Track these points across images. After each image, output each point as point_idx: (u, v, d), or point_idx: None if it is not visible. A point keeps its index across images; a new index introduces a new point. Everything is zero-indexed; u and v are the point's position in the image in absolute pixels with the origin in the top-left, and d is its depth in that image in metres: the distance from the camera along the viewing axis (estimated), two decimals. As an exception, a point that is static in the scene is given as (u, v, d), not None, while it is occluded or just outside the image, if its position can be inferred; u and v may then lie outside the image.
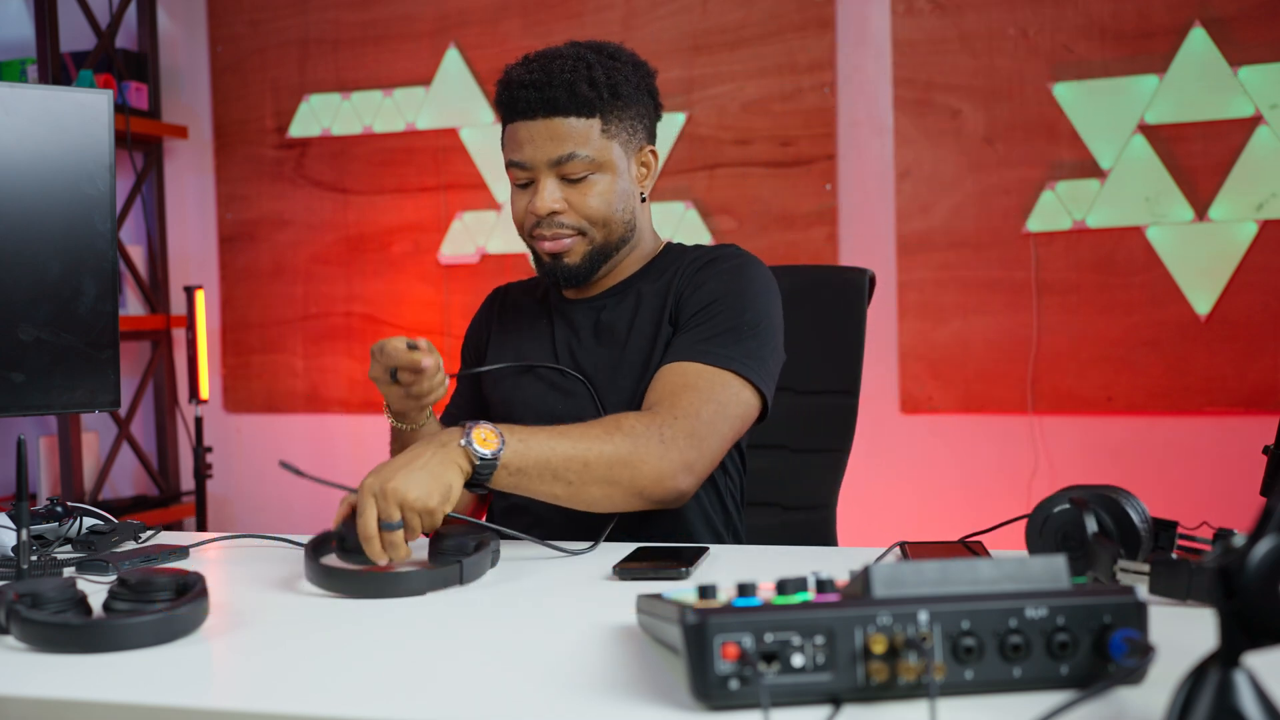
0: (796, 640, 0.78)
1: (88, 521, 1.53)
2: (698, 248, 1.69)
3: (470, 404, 1.75)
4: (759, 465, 1.79)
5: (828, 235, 3.11)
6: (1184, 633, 0.94)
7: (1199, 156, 2.84)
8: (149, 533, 1.58)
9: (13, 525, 1.30)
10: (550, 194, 1.57)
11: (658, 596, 0.93)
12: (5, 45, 3.55)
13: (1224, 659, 0.68)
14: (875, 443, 3.02)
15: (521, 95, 1.56)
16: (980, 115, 2.99)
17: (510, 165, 1.60)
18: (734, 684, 0.78)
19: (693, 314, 1.57)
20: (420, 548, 1.37)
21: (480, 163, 3.41)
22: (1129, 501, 1.11)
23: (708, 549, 1.37)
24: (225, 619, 1.11)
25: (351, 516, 1.32)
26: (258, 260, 3.65)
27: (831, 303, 1.89)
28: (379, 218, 3.52)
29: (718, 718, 0.79)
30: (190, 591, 1.06)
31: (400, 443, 1.58)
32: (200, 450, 3.44)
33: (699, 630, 0.78)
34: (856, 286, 1.88)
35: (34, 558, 1.33)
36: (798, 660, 0.78)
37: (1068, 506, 1.11)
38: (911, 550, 1.28)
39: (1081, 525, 1.09)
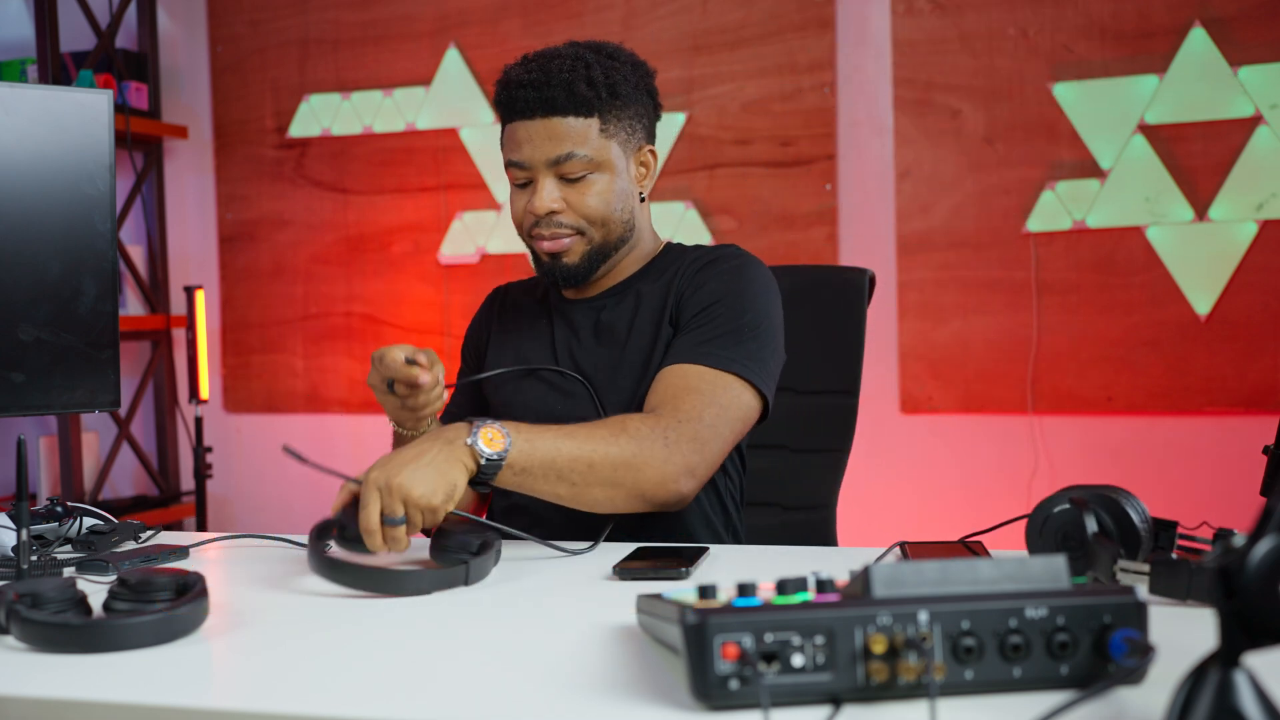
0: (796, 640, 0.78)
1: (88, 521, 1.53)
2: (698, 248, 1.69)
3: (471, 405, 1.75)
4: (759, 465, 1.79)
5: (828, 235, 3.11)
6: (1184, 633, 0.94)
7: (1199, 156, 2.84)
8: (149, 533, 1.58)
9: (13, 525, 1.30)
10: (549, 194, 1.57)
11: (658, 596, 0.93)
12: (5, 45, 3.55)
13: (1224, 659, 0.68)
14: (875, 443, 3.02)
15: (520, 95, 1.57)
16: (980, 115, 2.99)
17: (509, 165, 1.60)
18: (734, 684, 0.78)
19: (693, 315, 1.57)
20: (421, 547, 1.37)
21: (480, 163, 3.41)
22: (1129, 501, 1.11)
23: (708, 549, 1.37)
24: (225, 619, 1.11)
25: (352, 506, 1.32)
26: (258, 260, 3.65)
27: (831, 303, 1.89)
28: (379, 218, 3.52)
29: (718, 718, 0.79)
30: (190, 591, 1.06)
31: (401, 445, 1.58)
32: (200, 450, 3.44)
33: (699, 630, 0.78)
34: (856, 286, 1.88)
35: (34, 558, 1.33)
36: (798, 660, 0.78)
37: (1068, 506, 1.11)
38: (911, 550, 1.28)
39: (1081, 525, 1.09)
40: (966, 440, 3.04)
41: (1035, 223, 2.96)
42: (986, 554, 1.26)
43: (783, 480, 1.86)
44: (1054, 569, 0.83)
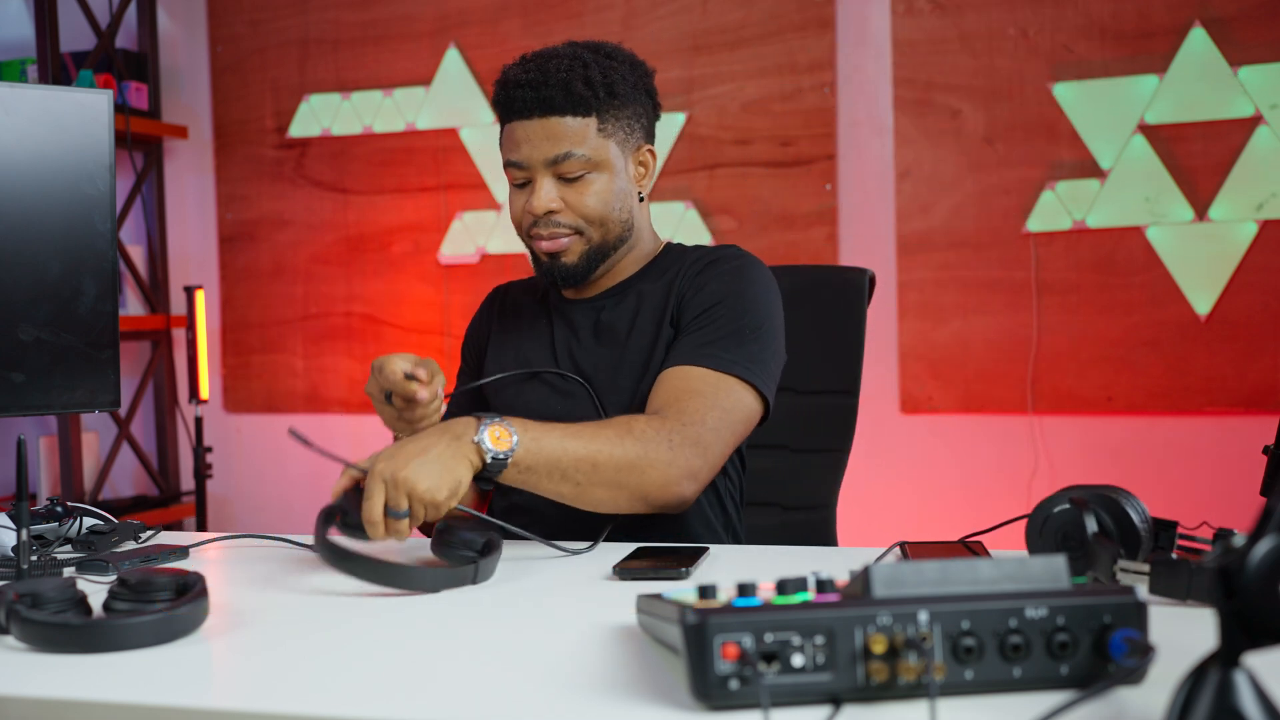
0: (796, 640, 0.78)
1: (88, 521, 1.53)
2: (698, 248, 1.69)
3: (472, 407, 1.75)
4: (759, 465, 1.79)
5: (828, 235, 3.11)
6: (1184, 633, 0.94)
7: (1199, 156, 2.84)
8: (149, 533, 1.58)
9: (13, 525, 1.30)
10: (546, 193, 1.57)
11: (658, 596, 0.93)
12: (5, 45, 3.55)
13: (1224, 659, 0.68)
14: (875, 443, 3.02)
15: (518, 95, 1.57)
16: (980, 115, 2.99)
17: (507, 165, 1.60)
18: (734, 684, 0.78)
19: (695, 316, 1.57)
20: (423, 545, 1.37)
21: (480, 163, 3.41)
22: (1129, 501, 1.11)
23: (708, 549, 1.37)
24: (225, 619, 1.11)
25: (354, 492, 1.32)
26: (258, 260, 3.65)
27: (831, 303, 1.89)
28: (379, 218, 3.52)
29: (718, 718, 0.79)
30: (190, 591, 1.06)
31: None
32: (200, 450, 3.44)
33: (699, 630, 0.78)
34: (856, 286, 1.88)
35: (34, 558, 1.33)
36: (798, 660, 0.78)
37: (1068, 506, 1.11)
38: (911, 550, 1.28)
39: (1081, 525, 1.09)
40: (966, 440, 3.04)
41: (1035, 223, 2.96)
42: (986, 554, 1.26)
43: (783, 480, 1.86)
44: (1054, 569, 0.83)
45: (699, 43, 3.20)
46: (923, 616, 0.79)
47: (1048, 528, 1.12)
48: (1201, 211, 2.84)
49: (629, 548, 1.41)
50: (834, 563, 1.29)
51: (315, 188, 3.58)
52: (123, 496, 3.62)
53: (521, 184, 1.61)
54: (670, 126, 3.20)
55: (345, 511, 1.29)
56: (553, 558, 1.39)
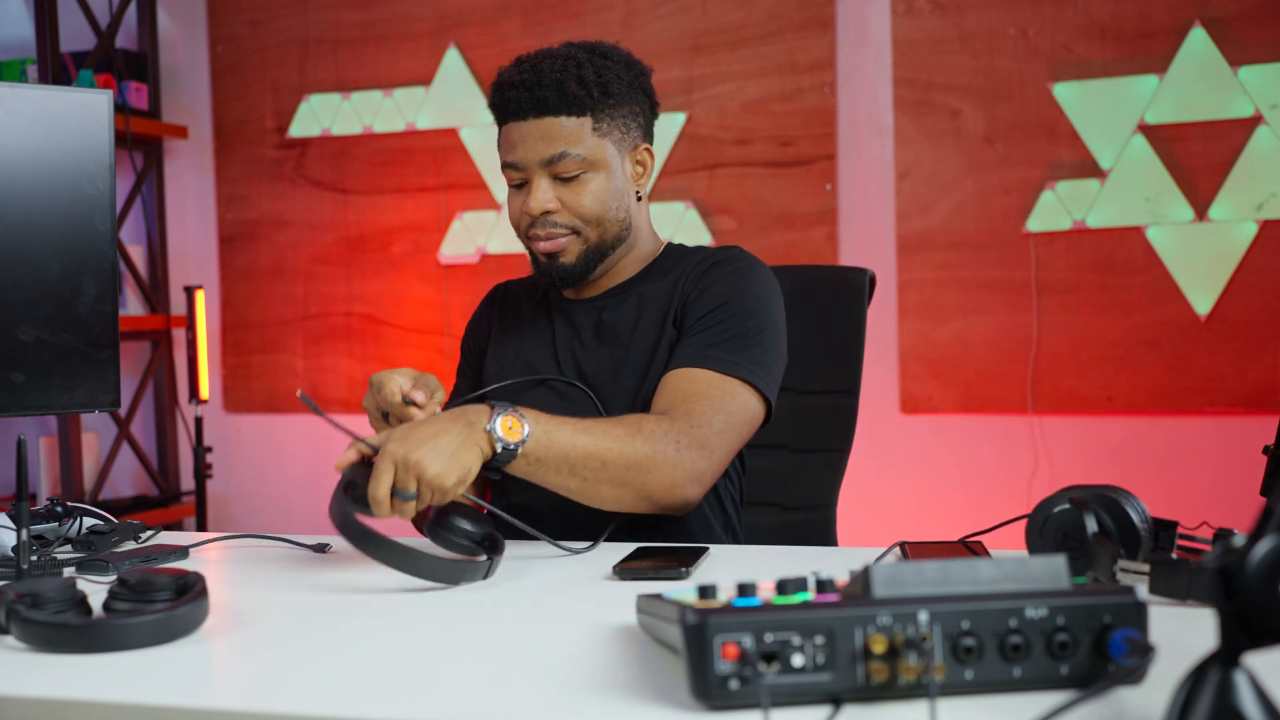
0: (796, 640, 0.78)
1: (88, 521, 1.53)
2: (700, 249, 1.69)
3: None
4: (759, 465, 1.79)
5: (828, 235, 3.11)
6: (1184, 633, 0.94)
7: (1199, 156, 2.84)
8: (149, 533, 1.58)
9: (13, 525, 1.30)
10: (543, 194, 1.57)
11: (658, 596, 0.93)
12: (5, 45, 3.55)
13: (1224, 659, 0.68)
14: (875, 443, 3.02)
15: (513, 96, 1.57)
16: (980, 115, 2.99)
17: (505, 166, 1.60)
18: (734, 684, 0.78)
19: (699, 317, 1.57)
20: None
21: (480, 163, 3.41)
22: (1129, 501, 1.11)
23: (708, 549, 1.37)
24: (225, 619, 1.11)
25: (362, 465, 1.32)
26: (258, 260, 3.65)
27: (831, 303, 1.89)
28: (379, 218, 3.52)
29: (718, 718, 0.79)
30: (190, 591, 1.06)
31: None
32: (200, 450, 3.44)
33: (699, 630, 0.78)
34: (856, 286, 1.88)
35: (34, 558, 1.33)
36: (798, 660, 0.78)
37: (1068, 506, 1.11)
38: (911, 550, 1.28)
39: (1081, 525, 1.09)
40: (966, 440, 3.04)
41: (1035, 223, 2.96)
42: (986, 554, 1.26)
43: (783, 480, 1.86)
44: (1054, 569, 0.83)
45: (699, 43, 3.20)
46: (923, 616, 0.79)
47: (1048, 528, 1.12)
48: (1201, 211, 2.84)
49: (629, 548, 1.41)
50: (834, 563, 1.29)
51: (315, 188, 3.58)
52: (123, 496, 3.62)
53: (518, 185, 1.61)
54: (670, 126, 3.20)
55: (353, 484, 1.30)
56: (552, 557, 1.39)
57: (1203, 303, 2.84)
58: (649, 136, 1.67)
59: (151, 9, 3.63)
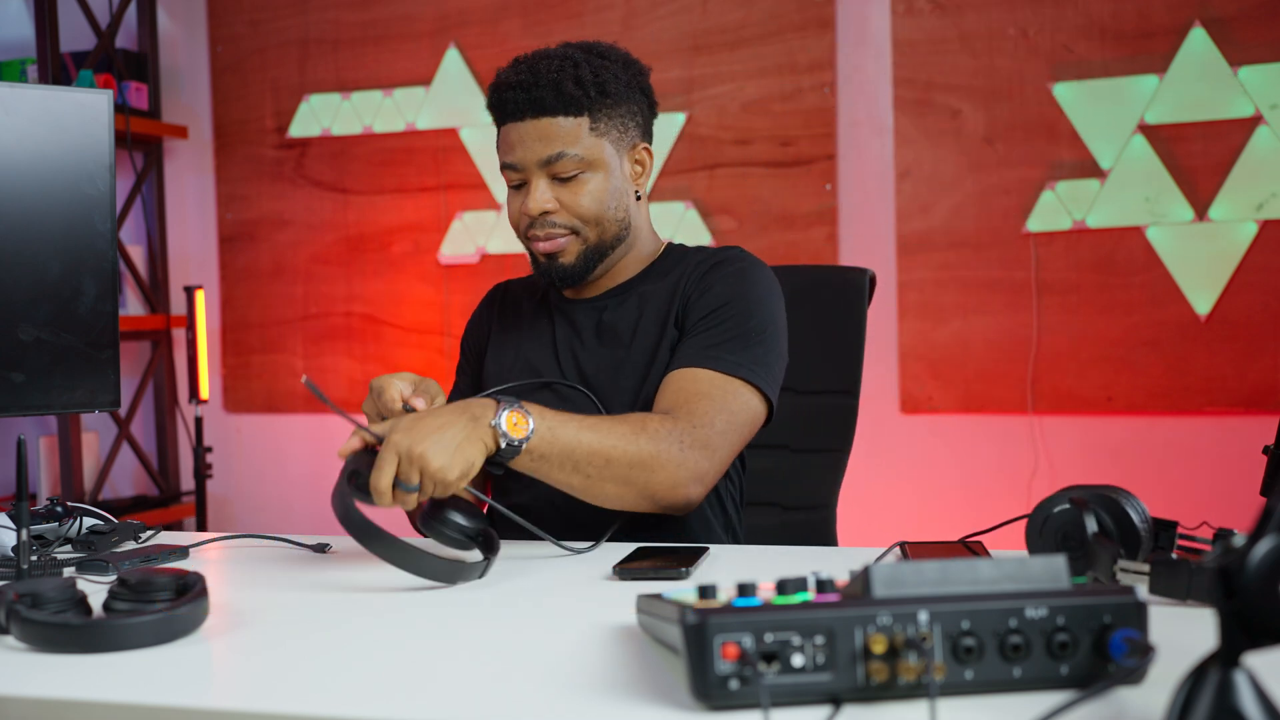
0: (796, 640, 0.78)
1: (88, 521, 1.53)
2: (701, 249, 1.69)
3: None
4: (759, 465, 1.79)
5: (828, 235, 3.11)
6: (1184, 633, 0.94)
7: (1199, 156, 2.84)
8: (149, 533, 1.58)
9: (13, 525, 1.30)
10: (541, 194, 1.57)
11: (658, 596, 0.93)
12: (5, 45, 3.55)
13: (1224, 659, 0.68)
14: (875, 443, 3.02)
15: (510, 97, 1.57)
16: (980, 115, 2.99)
17: (503, 168, 1.61)
18: (734, 684, 0.78)
19: (700, 318, 1.57)
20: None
21: (480, 163, 3.41)
22: (1129, 501, 1.11)
23: (708, 549, 1.37)
24: (225, 619, 1.11)
25: (365, 454, 1.32)
26: (258, 260, 3.65)
27: (831, 303, 1.89)
28: (379, 218, 3.52)
29: (718, 718, 0.79)
30: (190, 591, 1.06)
31: None
32: (200, 450, 3.44)
33: (699, 630, 0.78)
34: (856, 286, 1.88)
35: (34, 558, 1.33)
36: (798, 660, 0.78)
37: (1068, 506, 1.11)
38: (911, 550, 1.28)
39: (1081, 525, 1.09)
40: (966, 440, 3.04)
41: (1035, 223, 2.96)
42: (986, 554, 1.26)
43: (783, 480, 1.86)
44: (1054, 569, 0.83)
45: (699, 43, 3.20)
46: (923, 616, 0.79)
47: (1048, 528, 1.12)
48: (1201, 211, 2.84)
49: (629, 548, 1.41)
50: (834, 563, 1.29)
51: (315, 188, 3.58)
52: (123, 496, 3.62)
53: (517, 186, 1.61)
54: (670, 126, 3.20)
55: (356, 472, 1.30)
56: (552, 557, 1.39)
57: (1203, 303, 2.84)
58: (648, 136, 1.67)
59: (151, 9, 3.63)
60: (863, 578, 0.81)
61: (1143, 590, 0.83)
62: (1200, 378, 2.85)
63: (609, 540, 1.46)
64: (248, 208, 3.65)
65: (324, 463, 3.46)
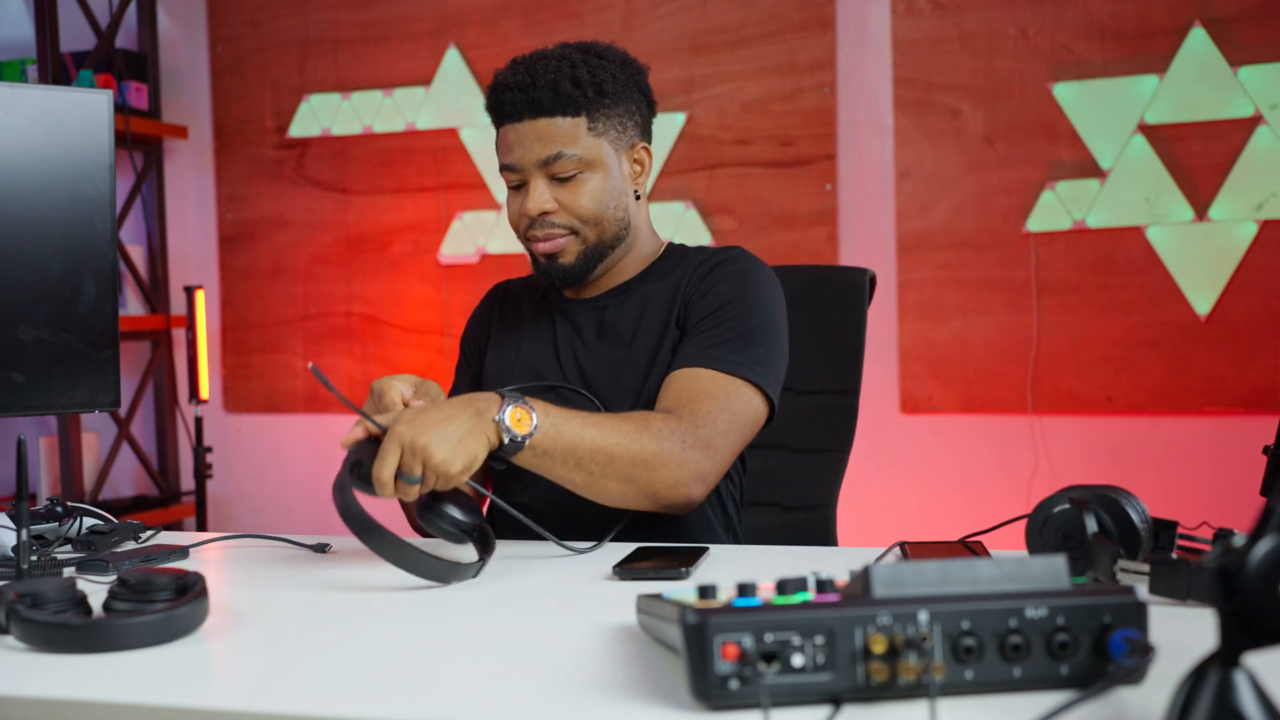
0: (796, 640, 0.78)
1: (88, 521, 1.53)
2: (701, 249, 1.69)
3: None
4: (759, 465, 1.79)
5: (828, 235, 3.11)
6: (1184, 633, 0.94)
7: (1199, 156, 2.84)
8: (149, 533, 1.58)
9: (13, 525, 1.30)
10: (540, 195, 1.57)
11: (658, 596, 0.93)
12: (5, 45, 3.55)
13: (1224, 659, 0.68)
14: (875, 443, 3.02)
15: (508, 98, 1.57)
16: (980, 115, 2.99)
17: (503, 168, 1.61)
18: (734, 684, 0.78)
19: (702, 318, 1.57)
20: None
21: (480, 163, 3.41)
22: (1129, 501, 1.11)
23: (708, 549, 1.37)
24: (225, 619, 1.11)
25: (368, 444, 1.32)
26: (258, 260, 3.65)
27: (831, 303, 1.89)
28: (379, 218, 3.52)
29: (718, 718, 0.79)
30: (190, 591, 1.06)
31: None
32: (200, 450, 3.44)
33: (699, 630, 0.78)
34: (856, 286, 1.88)
35: (34, 558, 1.33)
36: (798, 660, 0.78)
37: (1068, 506, 1.11)
38: (911, 550, 1.28)
39: (1081, 525, 1.09)
40: (966, 440, 3.04)
41: (1035, 223, 2.96)
42: (986, 554, 1.26)
43: (783, 480, 1.86)
44: (1054, 569, 0.83)
45: (699, 43, 3.20)
46: (923, 616, 0.79)
47: (1048, 528, 1.12)
48: (1201, 211, 2.84)
49: (629, 548, 1.41)
50: (834, 563, 1.29)
51: (315, 188, 3.58)
52: (123, 496, 3.62)
53: (516, 186, 1.61)
54: (670, 126, 3.20)
55: (359, 462, 1.30)
56: (553, 557, 1.39)
57: (1203, 303, 2.84)
58: (646, 135, 1.67)
59: (151, 9, 3.63)
60: (863, 578, 0.81)
61: (1143, 590, 0.83)
62: (1200, 378, 2.85)
63: (610, 540, 1.46)
64: (248, 208, 3.65)
65: (324, 463, 3.46)
